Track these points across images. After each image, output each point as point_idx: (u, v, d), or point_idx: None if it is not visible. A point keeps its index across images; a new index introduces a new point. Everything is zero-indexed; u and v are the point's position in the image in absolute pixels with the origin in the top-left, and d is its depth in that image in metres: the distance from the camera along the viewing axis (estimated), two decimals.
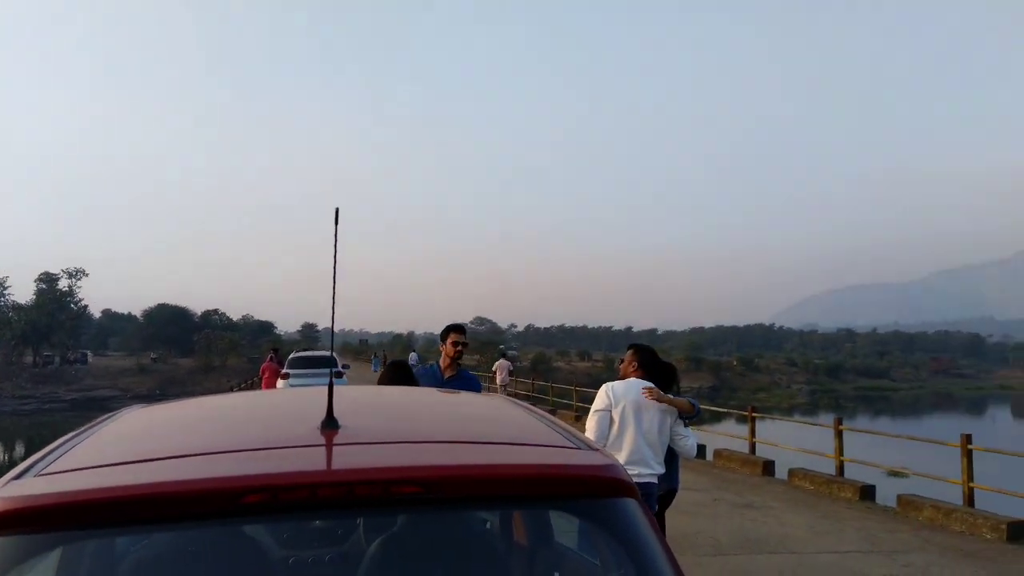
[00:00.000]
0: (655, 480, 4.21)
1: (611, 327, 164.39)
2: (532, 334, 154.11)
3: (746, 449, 13.20)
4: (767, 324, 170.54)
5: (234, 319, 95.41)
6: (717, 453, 13.34)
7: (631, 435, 4.15)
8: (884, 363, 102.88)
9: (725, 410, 21.46)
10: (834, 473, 10.67)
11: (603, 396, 4.25)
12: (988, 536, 7.65)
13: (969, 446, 8.52)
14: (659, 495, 4.70)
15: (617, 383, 4.34)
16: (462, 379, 4.76)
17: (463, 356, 4.82)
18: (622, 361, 5.07)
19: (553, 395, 23.07)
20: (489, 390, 24.21)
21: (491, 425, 1.94)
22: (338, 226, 1.42)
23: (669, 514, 8.45)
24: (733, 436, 14.45)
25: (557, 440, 1.69)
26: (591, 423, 4.23)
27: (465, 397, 2.54)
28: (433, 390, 2.93)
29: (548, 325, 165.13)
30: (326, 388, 1.63)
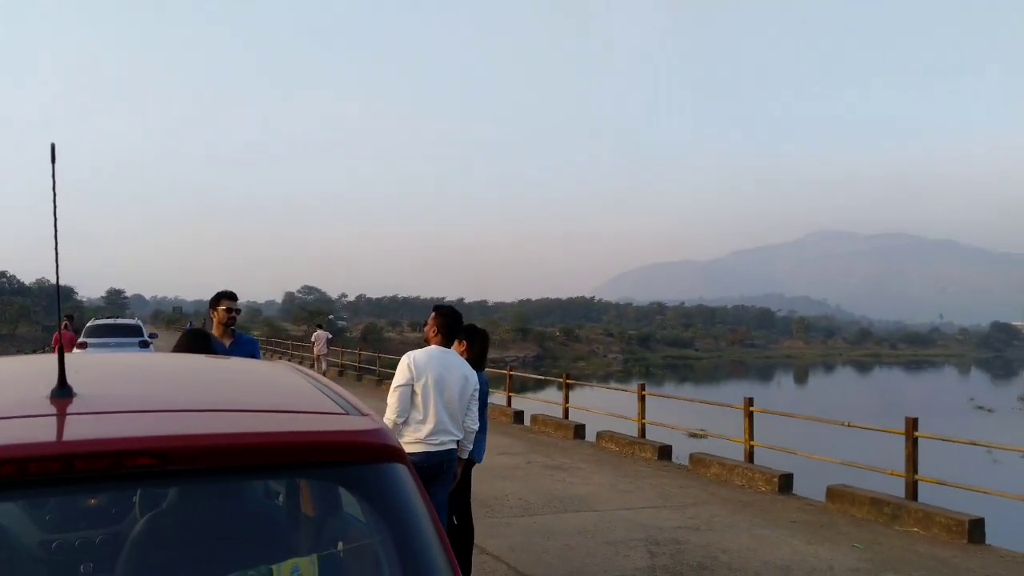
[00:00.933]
0: (455, 447, 4.22)
1: (444, 298, 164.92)
2: (363, 304, 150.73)
3: (560, 414, 13.81)
4: (588, 297, 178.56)
5: (27, 283, 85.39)
6: (534, 418, 13.84)
7: (434, 407, 4.07)
8: (689, 334, 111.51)
9: (544, 378, 22.46)
10: (637, 435, 11.43)
11: (404, 370, 4.12)
12: (763, 488, 8.56)
13: (751, 408, 9.45)
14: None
15: (418, 353, 4.24)
16: (240, 344, 4.79)
17: (235, 322, 4.86)
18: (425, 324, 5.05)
19: (381, 365, 22.81)
20: (311, 362, 23.56)
21: (251, 393, 1.84)
22: (55, 165, 1.24)
23: (484, 478, 8.68)
24: (548, 402, 15.05)
25: (323, 406, 1.63)
26: (392, 399, 4.09)
27: (233, 364, 2.39)
28: (200, 357, 2.74)
29: (380, 295, 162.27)
30: (71, 355, 1.45)
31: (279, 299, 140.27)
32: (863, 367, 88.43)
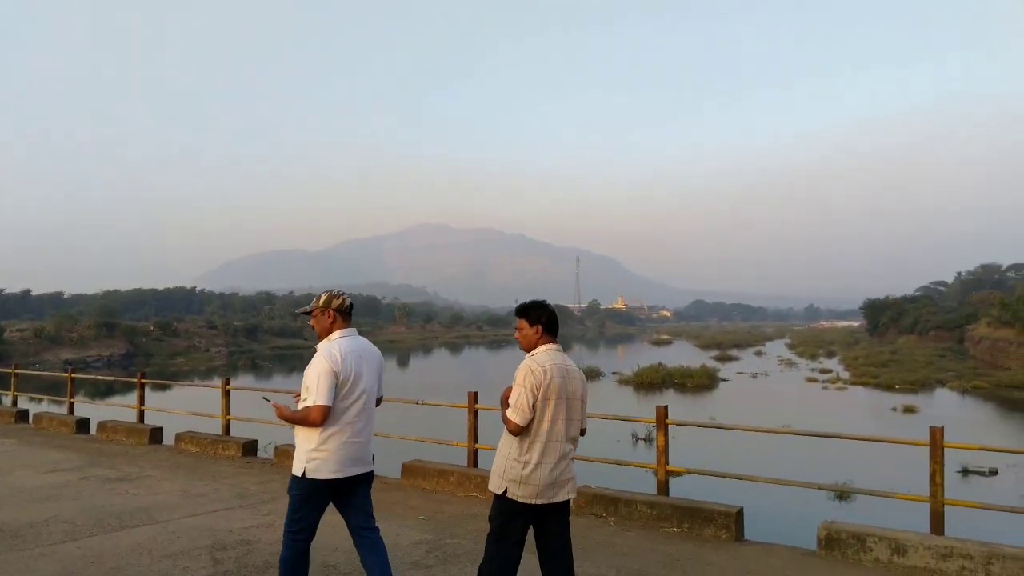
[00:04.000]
0: None
1: (3, 290, 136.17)
2: None
3: (135, 418, 12.36)
4: (189, 287, 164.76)
5: None
6: (101, 426, 12.15)
7: None
8: (298, 324, 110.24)
9: (114, 379, 19.74)
10: (221, 433, 10.76)
11: None
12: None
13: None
14: None
15: None
16: None
17: None
18: None
19: None
20: None
21: None
22: None
23: (19, 503, 7.29)
24: (121, 406, 13.37)
25: None
26: None
27: None
28: None
29: None
30: None
31: None
32: (455, 347, 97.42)
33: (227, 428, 10.83)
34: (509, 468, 3.78)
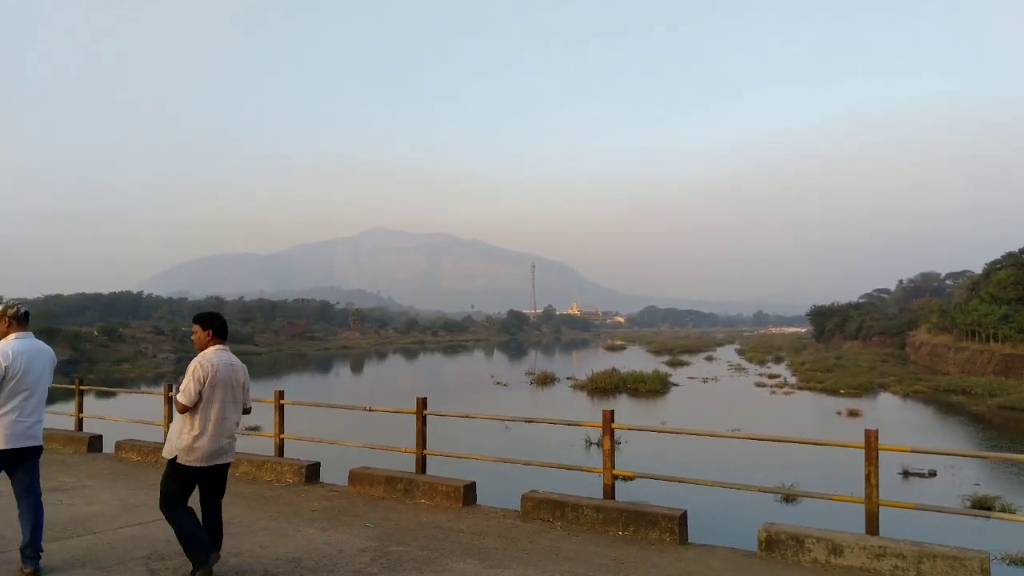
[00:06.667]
0: None
1: None
2: None
3: (73, 426, 11.97)
4: (135, 292, 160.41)
5: None
6: None
7: None
8: (249, 328, 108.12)
9: (50, 385, 19.00)
10: (162, 441, 10.47)
11: None
12: (291, 480, 8.55)
13: (281, 402, 9.36)
14: None
15: None
16: None
17: None
18: None
19: None
20: None
21: None
22: None
23: None
24: (59, 414, 12.92)
25: None
26: None
27: None
28: None
29: None
30: None
31: None
32: (410, 353, 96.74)
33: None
34: (181, 439, 4.87)
